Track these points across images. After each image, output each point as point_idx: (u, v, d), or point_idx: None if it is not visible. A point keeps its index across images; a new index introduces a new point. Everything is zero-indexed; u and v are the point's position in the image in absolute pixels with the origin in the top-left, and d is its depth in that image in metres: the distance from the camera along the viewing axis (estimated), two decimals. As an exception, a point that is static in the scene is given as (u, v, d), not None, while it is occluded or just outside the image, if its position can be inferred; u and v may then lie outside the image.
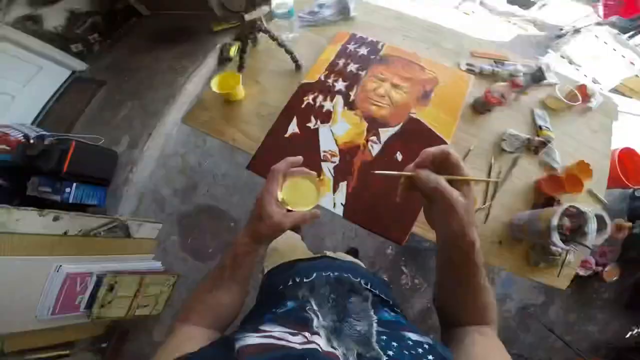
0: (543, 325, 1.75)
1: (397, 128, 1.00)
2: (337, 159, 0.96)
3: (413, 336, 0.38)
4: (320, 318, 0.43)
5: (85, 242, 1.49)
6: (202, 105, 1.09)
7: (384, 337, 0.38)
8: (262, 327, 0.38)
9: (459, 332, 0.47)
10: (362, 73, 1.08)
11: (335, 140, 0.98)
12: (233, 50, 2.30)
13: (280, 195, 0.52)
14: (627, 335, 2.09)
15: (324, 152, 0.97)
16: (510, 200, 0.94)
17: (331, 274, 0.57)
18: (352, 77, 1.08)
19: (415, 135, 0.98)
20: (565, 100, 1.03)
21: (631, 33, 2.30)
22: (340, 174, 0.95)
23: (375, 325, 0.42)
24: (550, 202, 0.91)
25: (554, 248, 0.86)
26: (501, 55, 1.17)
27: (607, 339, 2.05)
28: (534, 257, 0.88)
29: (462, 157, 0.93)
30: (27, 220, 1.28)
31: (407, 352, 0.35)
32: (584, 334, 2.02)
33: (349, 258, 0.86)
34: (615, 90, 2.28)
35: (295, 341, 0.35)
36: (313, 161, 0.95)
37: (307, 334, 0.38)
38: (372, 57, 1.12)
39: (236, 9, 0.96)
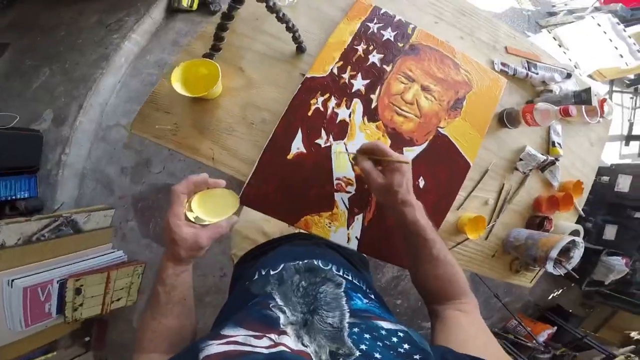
0: (489, 289, 1.90)
1: (423, 147, 0.75)
2: (353, 188, 0.71)
3: (386, 325, 0.36)
4: (288, 313, 0.40)
5: (30, 249, 1.24)
6: (159, 104, 0.69)
7: (356, 330, 0.36)
8: (225, 332, 0.34)
9: (440, 310, 0.48)
10: (388, 68, 0.76)
11: (352, 163, 0.71)
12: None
13: (190, 215, 0.47)
14: (549, 297, 2.39)
15: (338, 179, 0.70)
16: (509, 216, 0.89)
17: (300, 262, 0.52)
18: (375, 73, 0.75)
19: (440, 156, 0.76)
20: (586, 117, 0.86)
21: (628, 22, 2.16)
22: (356, 205, 0.71)
23: (347, 315, 0.39)
24: (542, 220, 0.88)
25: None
26: (534, 54, 0.93)
27: (535, 300, 2.31)
28: (517, 267, 0.91)
29: (478, 179, 0.83)
30: None
31: (380, 344, 0.33)
32: (519, 296, 2.24)
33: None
34: (589, 76, 2.22)
35: (261, 345, 0.32)
36: (324, 192, 0.69)
37: (273, 335, 0.34)
38: (401, 45, 0.79)
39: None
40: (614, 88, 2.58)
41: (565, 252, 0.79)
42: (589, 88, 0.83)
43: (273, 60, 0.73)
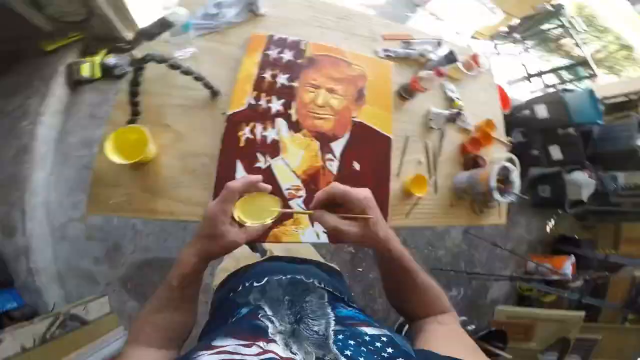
0: (485, 241, 1.86)
1: (346, 137, 0.83)
2: (302, 192, 0.76)
3: (370, 330, 0.36)
4: (276, 323, 0.38)
5: (49, 348, 1.14)
6: (104, 180, 0.69)
7: (341, 337, 0.35)
8: (215, 343, 0.33)
9: (420, 324, 0.47)
10: (295, 84, 0.83)
11: (294, 172, 0.76)
12: (85, 69, 1.56)
13: (236, 214, 0.43)
14: (548, 231, 2.30)
15: (287, 190, 0.75)
16: (447, 167, 0.96)
17: (283, 277, 0.52)
18: (286, 92, 0.81)
19: (363, 140, 0.84)
20: (466, 71, 1.04)
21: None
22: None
23: (332, 323, 0.39)
24: (475, 160, 0.96)
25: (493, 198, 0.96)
26: (406, 34, 1.05)
27: (536, 238, 2.21)
28: (478, 207, 0.96)
29: (403, 147, 0.90)
30: None
31: (364, 349, 0.32)
32: (519, 238, 2.16)
33: (303, 251, 0.78)
34: (473, 37, 2.40)
35: (250, 353, 0.31)
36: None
37: (262, 343, 0.33)
38: (299, 61, 0.85)
39: (72, 19, 0.58)
40: (496, 42, 2.77)
41: (506, 179, 0.85)
42: (451, 50, 0.96)
43: (194, 110, 0.76)
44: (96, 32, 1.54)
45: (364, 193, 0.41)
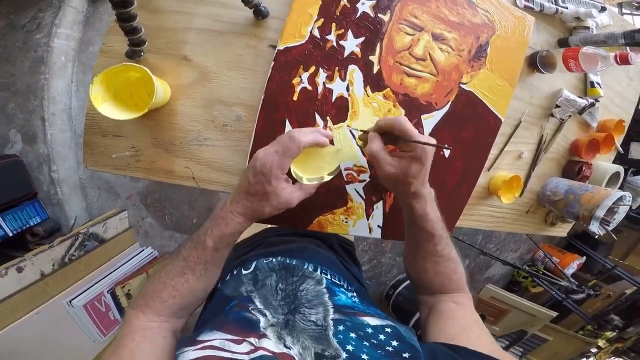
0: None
1: (444, 110, 0.55)
2: (366, 175, 0.54)
3: (372, 321, 0.33)
4: (269, 315, 0.35)
5: (68, 271, 1.18)
6: (102, 128, 0.49)
7: (342, 328, 0.32)
8: (200, 337, 0.29)
9: (432, 300, 0.43)
10: (385, 17, 0.50)
11: (361, 148, 0.52)
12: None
13: (293, 167, 0.38)
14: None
15: (347, 169, 0.53)
16: (545, 166, 0.72)
17: (273, 260, 0.45)
18: (370, 27, 0.50)
19: (466, 118, 0.56)
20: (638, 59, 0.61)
21: None
22: (373, 193, 0.56)
23: (331, 311, 0.35)
24: (581, 166, 0.72)
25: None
26: None
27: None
28: (553, 219, 0.78)
29: (510, 133, 0.64)
30: None
31: (367, 343, 0.30)
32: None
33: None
34: None
35: (241, 350, 0.28)
36: (333, 187, 0.53)
37: (253, 339, 0.30)
38: None
39: None
40: (623, 10, 2.08)
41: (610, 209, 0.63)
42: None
43: (228, 36, 0.47)
44: None
45: (427, 154, 0.37)
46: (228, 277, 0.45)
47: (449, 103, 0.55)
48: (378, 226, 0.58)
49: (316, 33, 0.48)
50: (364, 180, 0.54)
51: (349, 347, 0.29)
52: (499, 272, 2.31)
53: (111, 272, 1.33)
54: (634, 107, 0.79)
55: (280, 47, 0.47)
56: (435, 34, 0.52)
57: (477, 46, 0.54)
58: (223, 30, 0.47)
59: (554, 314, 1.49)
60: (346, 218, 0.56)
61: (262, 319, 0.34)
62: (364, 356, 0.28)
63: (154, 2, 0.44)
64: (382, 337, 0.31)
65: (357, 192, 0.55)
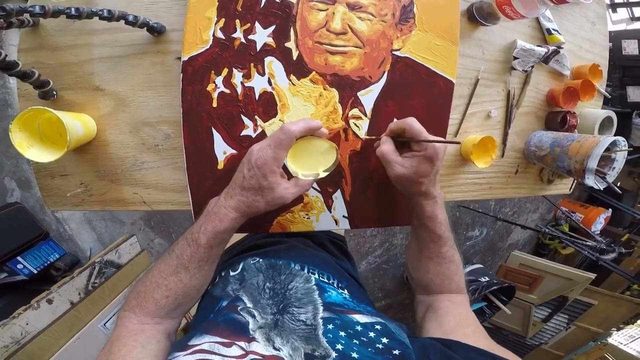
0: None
1: (382, 82, 0.51)
2: None
3: (362, 319, 0.33)
4: (257, 317, 0.35)
5: (95, 298, 1.27)
6: (48, 170, 0.52)
7: (331, 326, 0.32)
8: (191, 342, 0.30)
9: (429, 300, 0.44)
10: None
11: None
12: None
13: (288, 162, 0.38)
14: None
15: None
16: (522, 122, 0.68)
17: (260, 260, 0.46)
18: (277, 13, 0.47)
19: (410, 85, 0.52)
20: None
21: None
22: (328, 183, 0.54)
23: (321, 309, 0.36)
24: (565, 117, 0.67)
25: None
26: None
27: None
28: (549, 176, 0.73)
29: (469, 94, 0.60)
30: (30, 319, 1.06)
31: (357, 341, 0.30)
32: None
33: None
34: None
35: (231, 354, 0.28)
36: None
37: (243, 343, 0.30)
38: None
39: None
40: None
41: (605, 154, 0.58)
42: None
43: (131, 59, 0.47)
44: None
45: (438, 154, 0.38)
46: (217, 280, 0.46)
47: (385, 73, 0.51)
48: (344, 216, 0.57)
49: (220, 35, 0.46)
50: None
51: (339, 346, 0.29)
52: (522, 236, 2.20)
53: (134, 294, 1.47)
54: (607, 51, 0.76)
55: (185, 57, 0.46)
56: (351, 3, 0.48)
57: (400, 7, 0.50)
58: (125, 54, 0.47)
59: (592, 275, 1.41)
60: (307, 214, 0.56)
61: (251, 320, 0.34)
62: (354, 355, 0.28)
63: (49, 40, 0.45)
64: (372, 334, 0.31)
65: (314, 189, 0.54)
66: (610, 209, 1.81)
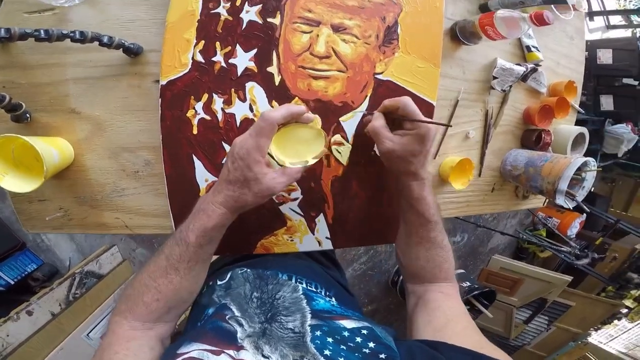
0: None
1: (364, 107, 0.52)
2: (297, 193, 0.53)
3: (349, 324, 0.34)
4: (245, 325, 0.35)
5: (76, 308, 1.25)
6: (26, 195, 0.50)
7: (319, 333, 0.33)
8: (180, 351, 0.30)
9: (420, 290, 0.44)
10: (275, 20, 0.47)
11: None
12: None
13: (273, 151, 0.37)
14: None
15: None
16: (499, 141, 0.69)
17: (248, 270, 0.46)
18: (259, 35, 0.47)
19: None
20: (562, 16, 0.57)
21: None
22: (311, 208, 0.55)
23: (309, 317, 0.36)
24: (540, 136, 0.69)
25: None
26: None
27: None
28: (524, 192, 0.75)
29: (449, 115, 0.61)
30: (11, 330, 1.07)
31: (344, 347, 0.31)
32: None
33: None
34: None
35: None
36: (265, 211, 0.53)
37: (231, 351, 0.30)
38: None
39: None
40: None
41: (576, 174, 0.60)
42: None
43: (108, 81, 0.46)
44: None
45: (431, 133, 0.39)
46: (205, 289, 0.45)
47: (367, 98, 0.52)
48: (326, 237, 0.57)
49: (199, 58, 0.45)
50: (297, 198, 0.53)
51: (327, 352, 0.30)
52: (502, 241, 2.28)
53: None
54: (583, 66, 0.78)
55: (163, 81, 0.45)
56: (335, 24, 0.48)
57: (384, 29, 0.50)
58: (100, 75, 0.46)
59: (569, 278, 1.48)
60: (290, 237, 0.56)
61: (239, 329, 0.34)
62: None
63: (20, 58, 0.43)
64: (358, 339, 0.32)
65: (294, 210, 0.54)
66: (584, 214, 1.89)
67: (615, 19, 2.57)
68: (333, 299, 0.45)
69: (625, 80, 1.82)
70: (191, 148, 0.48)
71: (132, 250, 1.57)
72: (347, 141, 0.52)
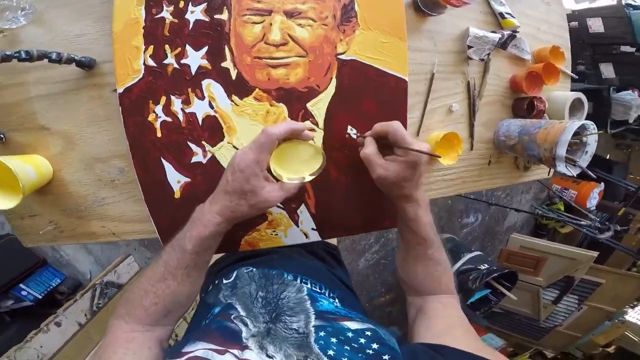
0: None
1: (330, 90, 0.51)
2: None
3: (353, 325, 0.35)
4: (250, 325, 0.36)
5: (102, 316, 1.34)
6: (17, 212, 0.55)
7: (323, 334, 0.34)
8: (184, 349, 0.31)
9: (419, 302, 0.45)
10: (223, 15, 0.46)
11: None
12: None
13: (272, 166, 0.38)
14: None
15: None
16: (488, 111, 0.66)
17: (254, 269, 0.47)
18: (208, 32, 0.47)
19: (360, 89, 0.51)
20: None
21: None
22: (290, 199, 0.53)
23: (313, 318, 0.37)
24: (532, 103, 0.66)
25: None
26: None
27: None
28: (524, 162, 0.72)
29: (426, 90, 0.59)
30: (43, 342, 1.14)
31: (347, 347, 0.32)
32: None
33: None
34: None
35: None
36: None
37: (236, 351, 0.31)
38: None
39: None
40: None
41: (576, 139, 0.57)
42: None
43: (69, 95, 0.48)
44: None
45: (421, 159, 0.39)
46: (210, 288, 0.48)
47: (333, 80, 0.50)
48: (312, 229, 0.57)
49: (150, 62, 0.46)
50: None
51: (331, 352, 0.31)
52: (519, 218, 2.17)
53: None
54: (567, 32, 0.74)
55: (120, 89, 0.46)
56: (288, 11, 0.47)
57: (340, 7, 0.48)
58: (61, 90, 0.48)
59: (595, 254, 1.40)
60: (274, 231, 0.56)
61: (244, 329, 0.35)
62: None
63: None
64: (362, 340, 0.32)
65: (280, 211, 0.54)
66: (602, 183, 1.77)
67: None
68: (337, 301, 0.46)
69: (623, 48, 1.76)
70: (158, 151, 0.49)
71: (147, 259, 1.64)
72: (318, 126, 0.52)
